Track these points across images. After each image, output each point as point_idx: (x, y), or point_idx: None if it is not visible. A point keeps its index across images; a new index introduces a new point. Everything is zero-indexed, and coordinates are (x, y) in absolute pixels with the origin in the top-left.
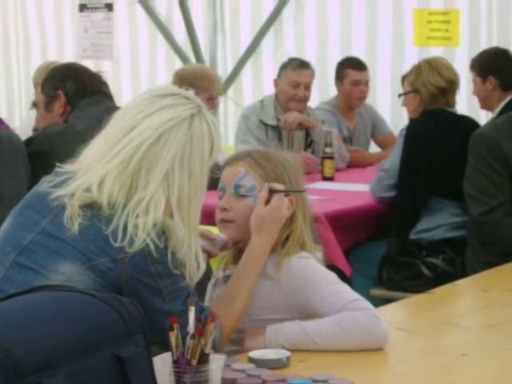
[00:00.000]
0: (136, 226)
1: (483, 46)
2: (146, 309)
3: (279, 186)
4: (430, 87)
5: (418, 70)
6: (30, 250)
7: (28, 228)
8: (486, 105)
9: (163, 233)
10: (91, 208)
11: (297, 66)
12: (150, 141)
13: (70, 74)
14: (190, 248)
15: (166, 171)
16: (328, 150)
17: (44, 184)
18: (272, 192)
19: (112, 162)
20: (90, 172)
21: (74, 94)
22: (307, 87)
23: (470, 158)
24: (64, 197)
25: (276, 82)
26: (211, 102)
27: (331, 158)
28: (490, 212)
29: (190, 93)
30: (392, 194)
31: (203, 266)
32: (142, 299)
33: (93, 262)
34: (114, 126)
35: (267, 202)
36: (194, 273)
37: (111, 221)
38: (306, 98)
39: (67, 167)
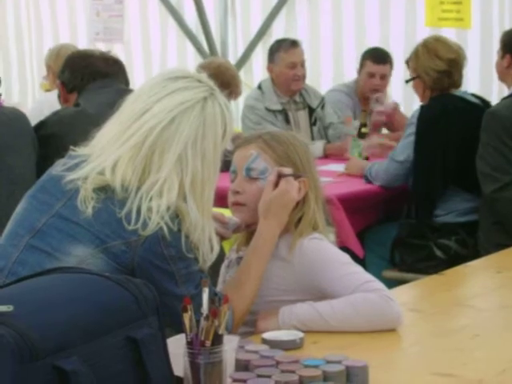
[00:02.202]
0: (149, 209)
1: (495, 27)
2: (158, 292)
3: (287, 170)
4: (431, 73)
5: (416, 55)
6: (44, 232)
7: (42, 211)
8: (501, 78)
9: (177, 216)
10: (105, 191)
11: (289, 47)
12: (163, 124)
13: (69, 62)
14: (204, 231)
15: (179, 154)
16: (364, 130)
17: (58, 167)
18: (281, 176)
19: (125, 145)
20: (104, 155)
21: (69, 82)
22: (302, 65)
23: (483, 136)
24: (78, 180)
25: (270, 68)
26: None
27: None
28: (503, 188)
29: (203, 75)
30: (398, 184)
31: (217, 249)
32: (154, 282)
33: (106, 245)
34: (127, 109)
35: (276, 185)
36: (207, 256)
37: (125, 204)
38: (303, 76)
39: (80, 150)
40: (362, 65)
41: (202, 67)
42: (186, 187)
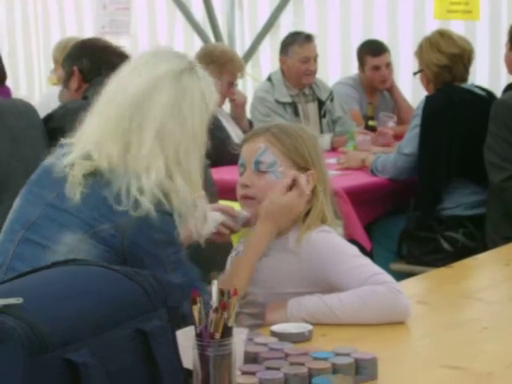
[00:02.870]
0: (139, 189)
1: (504, 19)
2: None
3: (304, 179)
4: (432, 67)
5: (420, 48)
6: (38, 224)
7: (36, 204)
8: (511, 71)
9: (165, 195)
10: (93, 175)
11: (304, 41)
12: (137, 98)
13: (87, 50)
14: (194, 203)
15: (157, 128)
16: (371, 123)
17: (49, 158)
18: (295, 183)
19: (105, 127)
20: (85, 140)
21: (89, 71)
22: (315, 59)
23: (492, 126)
24: (65, 167)
25: (283, 60)
26: (232, 88)
27: (374, 130)
28: (511, 178)
29: (182, 52)
30: (405, 177)
31: (209, 226)
32: (144, 267)
33: (94, 229)
34: (107, 91)
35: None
36: (201, 227)
37: (112, 185)
38: (315, 71)
39: (68, 139)
40: (362, 61)
41: (198, 56)
42: (171, 160)
